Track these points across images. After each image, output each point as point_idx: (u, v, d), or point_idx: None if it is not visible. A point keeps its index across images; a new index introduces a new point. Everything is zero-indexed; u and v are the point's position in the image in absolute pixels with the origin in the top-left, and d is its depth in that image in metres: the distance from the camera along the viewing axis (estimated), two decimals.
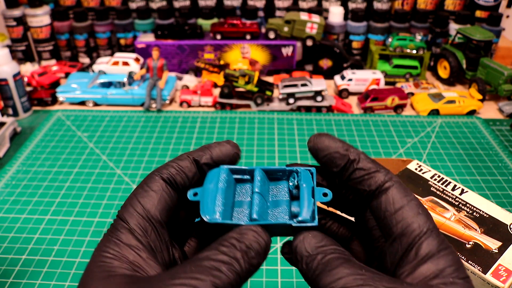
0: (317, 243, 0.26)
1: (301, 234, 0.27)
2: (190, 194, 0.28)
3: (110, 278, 0.23)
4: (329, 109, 0.99)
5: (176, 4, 1.21)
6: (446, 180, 0.54)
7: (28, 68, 1.10)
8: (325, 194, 0.29)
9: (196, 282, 0.21)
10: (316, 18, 1.10)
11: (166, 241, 0.27)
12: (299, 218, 0.27)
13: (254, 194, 0.28)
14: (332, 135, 0.30)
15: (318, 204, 0.29)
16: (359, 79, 1.05)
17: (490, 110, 1.01)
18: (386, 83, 1.12)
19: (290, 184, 0.30)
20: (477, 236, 0.46)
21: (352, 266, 0.24)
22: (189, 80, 1.09)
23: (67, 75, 1.13)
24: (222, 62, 1.11)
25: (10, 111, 0.94)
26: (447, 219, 0.48)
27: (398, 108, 0.98)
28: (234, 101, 0.98)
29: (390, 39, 1.13)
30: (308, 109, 0.98)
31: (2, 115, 0.93)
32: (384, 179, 0.28)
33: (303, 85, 0.96)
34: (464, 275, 0.25)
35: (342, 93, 1.06)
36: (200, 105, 1.00)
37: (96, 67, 1.11)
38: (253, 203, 0.28)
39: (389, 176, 0.28)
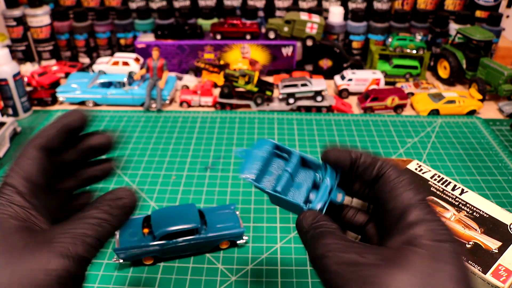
0: (312, 220, 0.32)
1: (301, 214, 0.33)
2: (236, 151, 0.37)
3: (8, 229, 0.28)
4: (329, 109, 0.99)
5: (176, 4, 1.21)
6: (446, 180, 0.54)
7: (28, 68, 1.10)
8: (339, 197, 0.35)
9: (83, 233, 0.28)
10: (316, 18, 1.10)
11: (49, 201, 0.33)
12: (310, 206, 0.33)
13: (285, 171, 0.35)
14: (338, 147, 0.37)
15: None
16: (359, 79, 1.05)
17: (490, 110, 1.01)
18: (386, 83, 1.12)
19: (317, 175, 0.36)
20: (477, 236, 0.46)
21: (334, 237, 0.30)
22: (189, 80, 1.09)
23: (67, 75, 1.13)
24: (222, 62, 1.11)
25: (10, 111, 0.94)
26: (447, 219, 0.48)
27: (398, 108, 0.98)
28: (234, 101, 0.98)
29: (390, 39, 1.13)
30: (308, 109, 0.98)
31: (2, 115, 0.93)
32: (380, 165, 0.33)
33: (303, 85, 0.96)
34: (451, 239, 0.28)
35: (342, 93, 1.06)
36: (200, 105, 1.00)
37: (96, 67, 1.11)
38: (281, 178, 0.35)
39: (385, 163, 0.34)
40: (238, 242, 0.59)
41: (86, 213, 0.30)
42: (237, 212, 0.62)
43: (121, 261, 0.55)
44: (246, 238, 0.60)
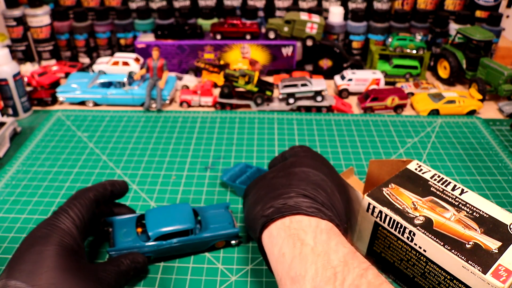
0: None
1: None
2: (222, 177, 0.69)
3: (69, 251, 0.43)
4: (329, 109, 0.99)
5: (176, 4, 1.21)
6: (446, 180, 0.54)
7: (28, 68, 1.10)
8: None
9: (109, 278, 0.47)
10: (316, 18, 1.10)
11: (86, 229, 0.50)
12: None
13: (245, 175, 0.70)
14: (311, 155, 0.56)
15: None
16: (359, 79, 1.05)
17: (490, 110, 1.01)
18: (386, 83, 1.12)
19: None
20: (477, 236, 0.46)
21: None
22: (189, 80, 1.09)
23: (67, 75, 1.13)
24: (222, 62, 1.11)
25: (10, 111, 0.94)
26: (447, 219, 0.48)
27: (398, 108, 0.98)
28: (234, 101, 0.98)
29: (390, 39, 1.13)
30: (308, 109, 0.98)
31: (2, 115, 0.93)
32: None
33: (303, 85, 0.96)
34: None
35: (342, 93, 1.06)
36: (200, 105, 1.00)
37: (96, 67, 1.11)
38: (241, 178, 0.69)
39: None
40: (232, 242, 0.59)
41: (113, 265, 0.49)
42: (230, 212, 0.62)
43: None
44: (241, 237, 0.60)
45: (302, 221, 0.43)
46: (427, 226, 0.48)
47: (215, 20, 1.20)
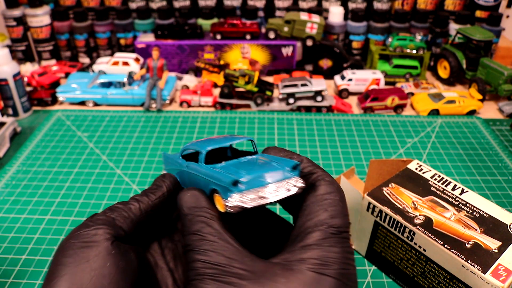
0: (193, 203, 0.30)
1: (182, 192, 0.32)
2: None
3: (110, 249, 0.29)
4: (329, 109, 0.99)
5: (176, 4, 1.21)
6: (446, 180, 0.54)
7: (28, 68, 1.10)
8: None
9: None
10: (316, 18, 1.10)
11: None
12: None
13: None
14: (280, 147, 0.35)
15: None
16: (359, 79, 1.05)
17: (490, 110, 1.01)
18: (386, 83, 1.12)
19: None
20: (477, 235, 0.46)
21: (211, 230, 0.28)
22: (189, 80, 1.09)
23: (67, 75, 1.13)
24: (222, 62, 1.11)
25: (10, 111, 0.94)
26: (447, 219, 0.48)
27: (398, 108, 0.98)
28: (234, 101, 0.98)
29: (390, 39, 1.13)
30: (308, 109, 0.98)
31: (2, 115, 0.93)
32: (317, 176, 0.31)
33: (303, 85, 0.96)
34: (337, 275, 0.26)
35: (342, 93, 1.06)
36: (200, 105, 1.00)
37: (96, 67, 1.11)
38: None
39: (323, 175, 0.31)
40: (226, 202, 0.30)
41: None
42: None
43: None
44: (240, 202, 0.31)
45: None
46: (427, 225, 0.48)
47: (215, 20, 1.20)
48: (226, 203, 0.29)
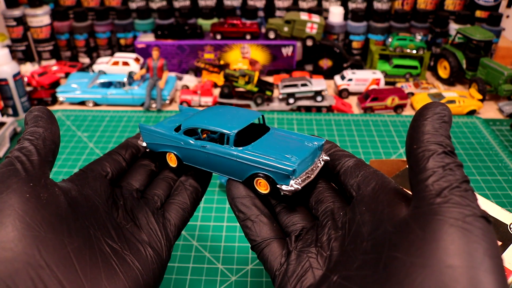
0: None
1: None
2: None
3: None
4: (329, 109, 0.99)
5: (176, 4, 1.21)
6: None
7: (28, 68, 1.10)
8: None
9: None
10: (316, 18, 1.10)
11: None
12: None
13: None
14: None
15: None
16: (359, 79, 1.05)
17: (490, 110, 1.01)
18: (386, 83, 1.12)
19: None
20: None
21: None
22: (189, 80, 1.09)
23: (67, 75, 1.13)
24: (222, 62, 1.11)
25: (10, 111, 0.94)
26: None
27: (398, 108, 0.98)
28: (234, 101, 0.98)
29: (390, 39, 1.13)
30: (308, 109, 0.98)
31: (2, 115, 0.93)
32: (350, 160, 0.35)
33: (303, 85, 0.96)
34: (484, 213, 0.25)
35: (342, 93, 1.06)
36: (200, 105, 1.00)
37: (96, 67, 1.11)
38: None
39: (354, 159, 0.35)
40: (283, 187, 0.33)
41: None
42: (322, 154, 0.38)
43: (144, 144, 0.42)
44: (296, 185, 0.33)
45: None
46: None
47: (215, 20, 1.20)
48: (284, 188, 0.33)
